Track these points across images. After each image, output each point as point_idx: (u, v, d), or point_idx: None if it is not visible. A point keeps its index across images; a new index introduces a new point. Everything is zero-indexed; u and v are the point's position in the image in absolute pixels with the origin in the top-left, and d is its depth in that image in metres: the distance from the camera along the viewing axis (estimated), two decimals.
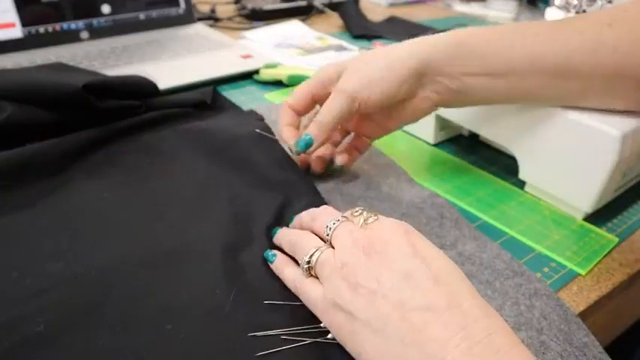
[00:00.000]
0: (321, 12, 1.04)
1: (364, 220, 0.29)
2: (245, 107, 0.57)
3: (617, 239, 0.39)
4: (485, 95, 0.40)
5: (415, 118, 0.42)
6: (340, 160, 0.44)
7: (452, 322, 0.23)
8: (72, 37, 0.73)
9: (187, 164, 0.44)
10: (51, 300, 0.29)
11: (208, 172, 0.43)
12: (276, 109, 0.57)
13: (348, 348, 0.26)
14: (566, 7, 0.50)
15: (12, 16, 0.68)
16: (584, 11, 0.50)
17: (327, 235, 0.29)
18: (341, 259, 0.27)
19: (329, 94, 0.40)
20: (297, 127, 0.43)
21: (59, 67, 0.55)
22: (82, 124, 0.46)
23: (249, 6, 0.97)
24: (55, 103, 0.45)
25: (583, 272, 0.36)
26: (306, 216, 0.34)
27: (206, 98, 0.55)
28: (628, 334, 0.49)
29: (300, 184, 0.42)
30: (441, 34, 0.39)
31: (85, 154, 0.45)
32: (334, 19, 1.00)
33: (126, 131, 0.48)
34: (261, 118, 0.54)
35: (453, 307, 0.23)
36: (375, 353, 0.25)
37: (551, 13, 0.52)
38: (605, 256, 0.37)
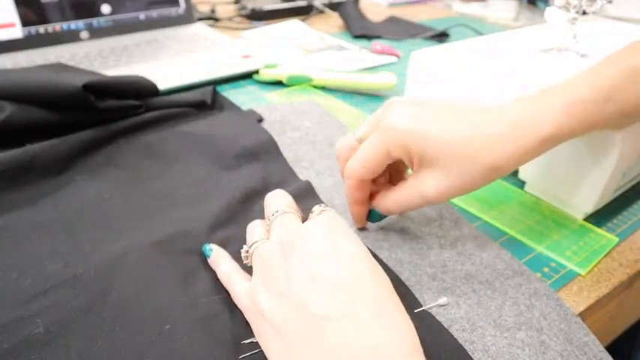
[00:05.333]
0: (321, 12, 1.04)
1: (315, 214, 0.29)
2: (245, 107, 0.57)
3: (617, 239, 0.39)
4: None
5: None
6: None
7: (345, 332, 0.23)
8: (72, 37, 0.73)
9: (187, 165, 0.44)
10: (50, 301, 0.29)
11: (208, 174, 0.43)
12: (275, 109, 0.57)
13: (262, 346, 0.26)
14: (566, 7, 0.50)
15: (12, 16, 0.68)
16: (584, 12, 0.49)
17: (268, 225, 0.30)
18: (265, 255, 0.28)
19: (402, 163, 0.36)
20: (367, 200, 0.37)
21: (59, 67, 0.55)
22: (82, 124, 0.46)
23: (249, 6, 0.97)
24: (55, 103, 0.45)
25: (583, 272, 0.36)
26: (266, 197, 0.33)
27: (206, 98, 0.55)
28: (628, 334, 0.49)
29: (300, 187, 0.42)
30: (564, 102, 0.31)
31: (86, 154, 0.45)
32: (334, 19, 1.00)
33: (126, 131, 0.48)
34: (260, 119, 0.54)
35: (349, 315, 0.23)
36: (277, 355, 0.25)
37: (551, 13, 0.52)
38: (605, 256, 0.37)
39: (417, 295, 0.32)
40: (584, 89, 0.31)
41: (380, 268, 0.27)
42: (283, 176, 0.43)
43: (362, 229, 0.39)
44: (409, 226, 0.39)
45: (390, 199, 0.35)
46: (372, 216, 0.38)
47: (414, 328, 0.24)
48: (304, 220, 0.30)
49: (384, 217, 0.37)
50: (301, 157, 0.48)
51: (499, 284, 0.33)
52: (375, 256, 0.35)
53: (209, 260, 0.33)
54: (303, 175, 0.45)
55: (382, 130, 0.33)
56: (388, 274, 0.33)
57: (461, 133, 0.31)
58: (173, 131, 0.49)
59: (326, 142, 0.51)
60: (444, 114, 0.32)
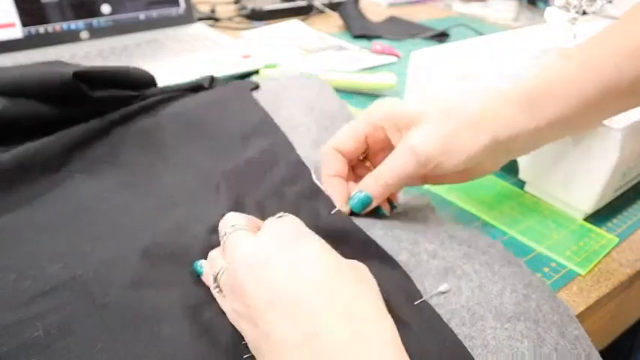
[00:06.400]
0: (321, 12, 1.04)
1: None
2: None
3: (617, 239, 0.39)
4: (557, 136, 0.37)
5: (476, 177, 0.37)
6: (386, 209, 0.38)
7: (311, 354, 0.22)
8: (72, 37, 0.73)
9: (186, 159, 0.44)
10: (50, 303, 0.29)
11: (206, 167, 0.43)
12: (273, 80, 0.57)
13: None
14: (566, 7, 0.50)
15: (12, 16, 0.67)
16: (584, 12, 0.49)
17: (223, 250, 0.29)
18: (229, 283, 0.27)
19: (386, 137, 0.36)
20: (346, 177, 0.38)
21: (56, 63, 0.55)
22: (76, 116, 0.45)
23: (249, 6, 0.97)
24: (48, 95, 0.44)
25: (583, 272, 0.36)
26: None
27: (204, 83, 0.55)
28: (628, 334, 0.49)
29: (293, 168, 0.42)
30: (512, 87, 0.34)
31: (83, 149, 0.44)
32: (334, 19, 1.00)
33: (122, 121, 0.47)
34: (256, 86, 0.54)
35: (314, 337, 0.22)
36: None
37: (551, 13, 0.52)
38: (605, 256, 0.37)
39: (417, 281, 0.31)
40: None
41: (354, 267, 0.26)
42: (278, 154, 0.43)
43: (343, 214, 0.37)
44: (397, 217, 0.37)
45: (380, 168, 0.35)
46: (354, 204, 0.36)
47: (394, 336, 0.23)
48: None
49: (368, 203, 0.35)
50: (298, 124, 0.47)
51: (498, 268, 0.32)
52: (367, 239, 0.34)
53: (202, 278, 0.32)
54: (298, 144, 0.44)
55: (366, 109, 0.37)
56: (384, 260, 0.32)
57: (439, 98, 0.35)
58: (169, 113, 0.48)
59: (325, 112, 0.50)
60: (422, 98, 0.37)
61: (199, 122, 0.48)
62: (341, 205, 0.36)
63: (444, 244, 0.34)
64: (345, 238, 0.27)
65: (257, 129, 0.47)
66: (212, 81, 0.58)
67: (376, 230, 0.35)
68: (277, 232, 0.27)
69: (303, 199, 0.38)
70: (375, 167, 0.37)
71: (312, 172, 0.41)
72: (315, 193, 0.39)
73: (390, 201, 0.39)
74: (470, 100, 0.35)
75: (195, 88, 0.55)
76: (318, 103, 0.52)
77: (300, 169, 0.42)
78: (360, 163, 0.40)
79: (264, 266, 0.25)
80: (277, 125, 0.47)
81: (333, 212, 0.36)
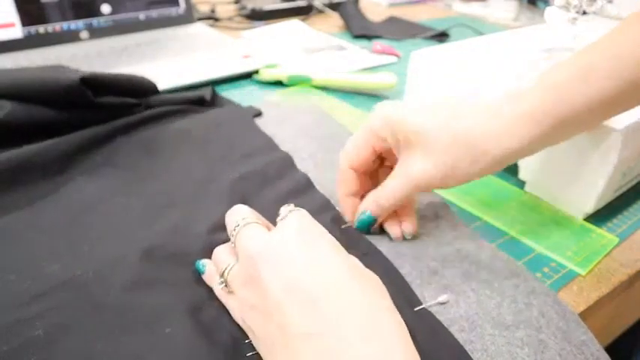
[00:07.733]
0: (321, 12, 1.04)
1: (281, 218, 0.28)
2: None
3: (617, 239, 0.39)
4: (553, 143, 0.36)
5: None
6: (395, 233, 0.37)
7: (325, 349, 0.22)
8: (72, 37, 0.73)
9: (187, 165, 0.44)
10: (49, 303, 0.29)
11: (207, 173, 0.43)
12: (275, 106, 0.57)
13: (262, 356, 0.26)
14: (566, 7, 0.50)
15: (12, 16, 0.68)
16: (584, 12, 0.49)
17: (233, 243, 0.29)
18: (239, 275, 0.27)
19: (389, 149, 0.36)
20: (359, 195, 0.38)
21: (58, 67, 0.55)
22: (80, 122, 0.46)
23: (249, 6, 0.97)
24: (54, 100, 0.44)
25: (583, 272, 0.36)
26: (225, 217, 0.32)
27: (205, 95, 0.55)
28: (628, 334, 0.49)
29: (300, 183, 0.42)
30: (514, 105, 0.33)
31: (85, 153, 0.44)
32: (334, 19, 1.00)
33: (125, 129, 0.48)
34: (258, 113, 0.54)
35: (330, 331, 0.22)
36: None
37: (551, 13, 0.52)
38: (605, 256, 0.37)
39: (417, 291, 0.32)
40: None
41: (366, 270, 0.26)
42: (284, 175, 0.43)
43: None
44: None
45: (379, 190, 0.36)
46: (359, 225, 0.37)
47: (406, 336, 0.23)
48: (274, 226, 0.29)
49: (372, 223, 0.36)
50: (300, 149, 0.47)
51: (497, 284, 0.33)
52: (376, 250, 0.35)
53: (203, 277, 0.31)
54: (301, 167, 0.45)
55: (368, 118, 0.37)
56: (388, 270, 0.33)
57: (439, 113, 0.34)
58: (171, 128, 0.49)
59: (326, 136, 0.50)
60: (422, 106, 0.35)
61: (202, 136, 0.48)
62: (350, 221, 0.38)
63: (445, 260, 0.34)
64: (351, 246, 0.28)
65: (260, 149, 0.47)
66: (213, 93, 0.58)
67: (382, 245, 0.36)
68: (297, 227, 0.27)
69: (311, 212, 0.38)
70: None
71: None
72: (323, 209, 0.39)
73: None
74: (472, 121, 0.33)
75: (197, 101, 0.55)
76: (319, 128, 0.53)
77: (305, 184, 0.42)
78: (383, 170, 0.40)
79: (283, 258, 0.25)
80: (279, 148, 0.48)
81: (343, 227, 0.37)
